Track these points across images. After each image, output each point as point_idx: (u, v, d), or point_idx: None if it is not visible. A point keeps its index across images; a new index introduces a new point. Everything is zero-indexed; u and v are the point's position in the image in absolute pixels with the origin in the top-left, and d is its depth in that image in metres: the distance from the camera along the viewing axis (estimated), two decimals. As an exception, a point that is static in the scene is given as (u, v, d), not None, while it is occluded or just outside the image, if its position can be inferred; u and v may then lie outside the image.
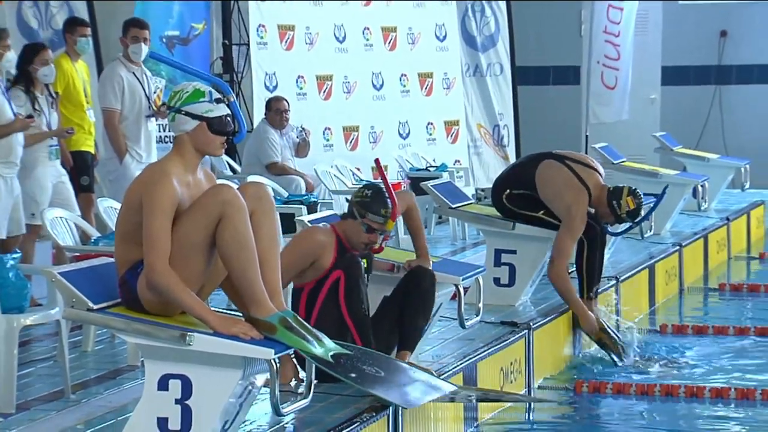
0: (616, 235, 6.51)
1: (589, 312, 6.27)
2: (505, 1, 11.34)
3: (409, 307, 4.95)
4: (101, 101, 7.21)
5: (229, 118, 4.06)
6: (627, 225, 6.46)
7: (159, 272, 3.84)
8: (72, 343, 5.35)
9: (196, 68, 4.28)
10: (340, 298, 4.79)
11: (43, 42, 6.99)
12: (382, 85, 10.03)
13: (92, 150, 7.32)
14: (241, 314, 4.04)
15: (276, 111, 8.59)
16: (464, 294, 5.22)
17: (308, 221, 5.24)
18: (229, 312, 4.22)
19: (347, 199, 5.00)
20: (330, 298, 4.81)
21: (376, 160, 5.28)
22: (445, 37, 10.72)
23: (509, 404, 5.63)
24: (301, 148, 8.68)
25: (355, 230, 4.90)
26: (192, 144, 4.03)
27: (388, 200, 4.90)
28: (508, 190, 6.35)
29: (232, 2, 9.27)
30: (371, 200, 4.89)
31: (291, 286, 4.92)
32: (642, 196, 6.34)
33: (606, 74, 11.13)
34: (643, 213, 6.37)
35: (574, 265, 6.39)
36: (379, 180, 5.13)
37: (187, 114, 4.02)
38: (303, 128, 8.70)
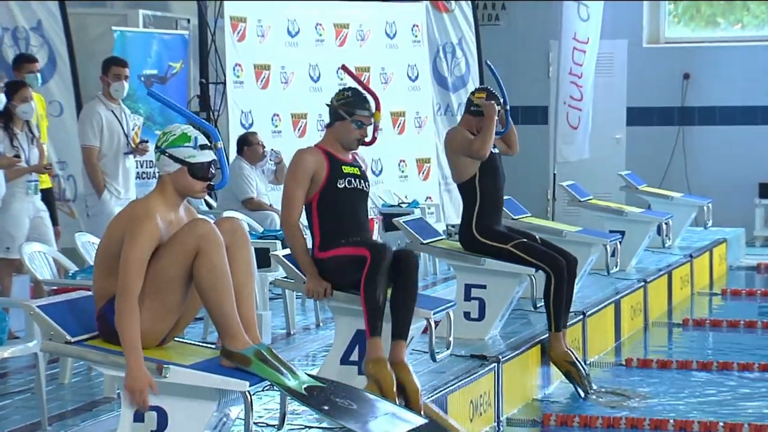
0: (500, 133, 6.53)
1: None
2: (475, 44, 11.56)
3: (400, 292, 5.03)
4: (80, 138, 7.31)
5: (212, 165, 4.16)
6: (506, 117, 6.46)
7: (129, 297, 3.91)
8: (49, 375, 5.40)
9: (191, 112, 4.40)
10: (362, 279, 4.94)
11: (23, 80, 7.08)
12: (355, 124, 10.18)
13: (49, 184, 7.28)
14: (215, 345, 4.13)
15: (258, 144, 8.66)
16: (435, 327, 5.30)
17: (282, 255, 5.36)
18: (204, 345, 4.32)
19: (330, 107, 5.25)
20: (354, 261, 4.99)
21: (343, 66, 5.53)
22: (417, 77, 10.90)
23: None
24: (280, 172, 8.67)
25: (346, 130, 5.20)
26: (173, 185, 4.14)
27: (368, 94, 5.22)
28: (474, 216, 6.41)
29: (209, 42, 9.41)
30: (354, 98, 5.23)
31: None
32: (488, 87, 6.46)
33: (571, 114, 11.33)
34: (500, 94, 6.43)
35: (542, 299, 6.50)
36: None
37: (171, 156, 4.13)
38: (275, 150, 8.74)
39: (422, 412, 4.89)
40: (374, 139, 5.34)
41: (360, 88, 5.29)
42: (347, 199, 5.19)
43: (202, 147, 4.14)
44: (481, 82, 11.60)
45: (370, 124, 5.25)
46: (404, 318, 5.02)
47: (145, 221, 3.99)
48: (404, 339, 5.03)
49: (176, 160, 4.12)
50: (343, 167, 5.22)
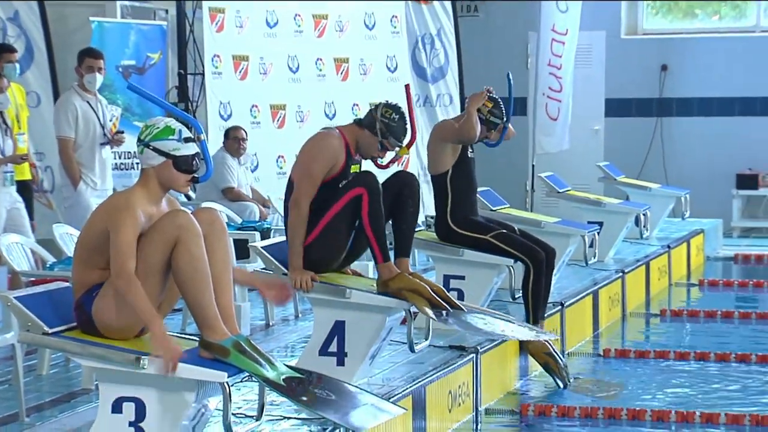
0: (492, 146, 6.64)
1: None
2: (454, 35, 11.56)
3: (402, 212, 5.14)
4: (56, 129, 7.28)
5: (196, 158, 4.15)
6: (501, 133, 6.50)
7: (127, 274, 3.91)
8: (27, 366, 5.38)
9: (172, 105, 4.40)
10: (363, 215, 5.02)
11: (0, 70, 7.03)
12: (334, 115, 10.17)
13: (28, 176, 7.31)
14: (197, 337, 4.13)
15: (234, 139, 8.73)
16: (414, 319, 5.33)
17: (261, 247, 5.35)
18: (183, 336, 4.31)
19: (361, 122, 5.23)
20: (347, 212, 5.05)
21: (406, 86, 5.56)
22: (396, 68, 10.89)
23: (458, 423, 5.76)
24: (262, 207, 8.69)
25: (369, 143, 5.21)
26: (157, 179, 4.12)
27: (409, 129, 5.22)
28: (448, 208, 6.43)
29: (187, 32, 9.38)
30: (396, 125, 5.21)
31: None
32: (499, 99, 6.47)
33: (550, 105, 11.35)
34: (505, 112, 6.45)
35: (521, 290, 6.53)
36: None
37: (155, 150, 4.10)
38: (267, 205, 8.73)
39: (453, 305, 5.14)
40: (388, 166, 5.36)
41: (407, 117, 5.26)
42: (338, 196, 5.19)
43: (186, 140, 4.13)
44: (460, 73, 11.61)
45: (391, 150, 5.25)
46: (408, 237, 5.19)
47: (126, 211, 3.99)
48: (408, 256, 5.20)
49: (161, 153, 4.11)
50: (352, 166, 5.24)
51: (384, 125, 5.18)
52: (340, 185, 5.16)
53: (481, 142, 6.53)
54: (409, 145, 5.29)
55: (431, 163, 6.54)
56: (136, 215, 4.00)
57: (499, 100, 6.53)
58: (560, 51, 11.30)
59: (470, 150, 6.50)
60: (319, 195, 5.15)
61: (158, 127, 4.13)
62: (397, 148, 5.25)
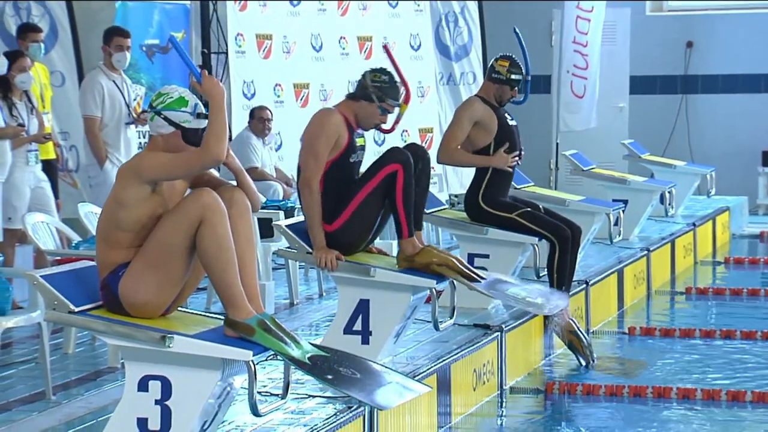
0: (519, 103, 6.58)
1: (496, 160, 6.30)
2: (477, 12, 11.49)
3: (417, 186, 5.14)
4: (82, 109, 7.30)
5: (202, 132, 4.10)
6: (526, 87, 6.43)
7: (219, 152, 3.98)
8: (53, 345, 5.43)
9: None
10: (398, 190, 5.05)
11: (24, 50, 7.05)
12: (357, 93, 10.15)
13: (52, 155, 7.34)
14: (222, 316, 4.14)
15: (259, 119, 8.75)
16: (438, 297, 5.31)
17: (285, 226, 5.35)
18: (208, 315, 4.33)
19: (359, 85, 5.21)
20: (380, 190, 5.08)
21: (385, 46, 5.53)
22: (419, 46, 10.85)
23: (483, 402, 5.76)
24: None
25: (369, 112, 5.17)
26: (164, 147, 4.11)
27: (402, 86, 5.19)
28: (483, 187, 6.40)
29: (210, 11, 9.37)
30: (389, 86, 5.18)
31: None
32: (512, 55, 6.41)
33: (575, 83, 11.29)
34: (523, 69, 6.40)
35: (546, 269, 6.51)
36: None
37: (166, 119, 4.10)
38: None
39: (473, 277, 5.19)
40: (393, 129, 5.32)
41: (396, 76, 5.24)
42: (353, 173, 5.19)
43: (199, 115, 4.11)
44: (484, 51, 11.56)
45: (392, 112, 5.22)
46: (421, 211, 5.23)
47: (138, 165, 4.00)
48: (421, 229, 5.25)
49: (171, 123, 4.09)
50: (357, 140, 5.22)
51: (377, 89, 5.15)
52: (351, 160, 5.14)
53: (508, 102, 6.47)
54: (406, 100, 5.25)
55: (467, 141, 6.49)
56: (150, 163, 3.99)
57: (513, 56, 6.46)
58: (585, 28, 11.23)
59: (509, 118, 6.44)
60: (334, 176, 5.12)
61: (172, 97, 4.09)
62: (397, 108, 5.22)
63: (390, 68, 5.29)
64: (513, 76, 6.38)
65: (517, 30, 6.87)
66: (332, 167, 5.12)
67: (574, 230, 6.50)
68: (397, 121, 5.31)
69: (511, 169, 6.41)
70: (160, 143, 4.09)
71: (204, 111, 4.13)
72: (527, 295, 5.51)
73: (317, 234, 5.14)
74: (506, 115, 6.44)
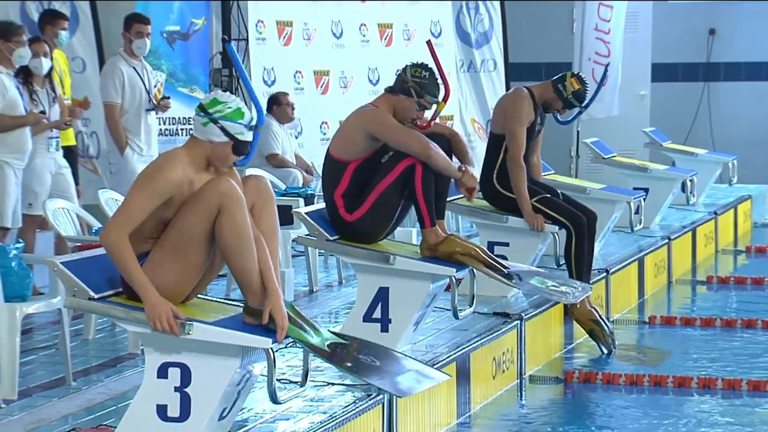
0: (566, 123, 6.62)
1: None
2: (498, 0, 11.45)
3: (438, 174, 5.14)
4: (102, 95, 7.31)
5: (249, 145, 4.09)
6: (576, 111, 6.48)
7: (115, 233, 3.89)
8: (73, 331, 5.45)
9: (252, 88, 4.39)
10: (417, 182, 5.06)
11: (45, 36, 7.05)
12: (378, 80, 10.13)
13: (73, 142, 7.31)
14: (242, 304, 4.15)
15: (287, 104, 8.76)
16: (458, 285, 5.31)
17: (304, 213, 5.35)
18: (227, 302, 4.33)
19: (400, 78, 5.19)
20: (400, 182, 5.08)
21: (428, 42, 5.52)
22: (440, 33, 10.82)
23: (502, 390, 5.76)
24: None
25: (406, 106, 5.15)
26: (208, 152, 4.05)
27: (442, 84, 5.16)
28: (496, 168, 6.39)
29: (231, -1, 9.37)
30: (429, 82, 5.16)
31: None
32: (586, 80, 6.43)
33: (597, 71, 11.23)
34: (588, 98, 6.44)
35: (563, 256, 6.49)
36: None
37: (222, 129, 4.05)
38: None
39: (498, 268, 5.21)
40: (428, 125, 5.28)
41: (437, 72, 5.22)
42: (389, 167, 5.16)
43: (250, 128, 4.09)
44: (505, 38, 11.50)
45: (429, 108, 5.21)
46: (443, 199, 5.24)
47: (167, 171, 3.96)
48: (443, 218, 5.27)
49: (226, 133, 4.05)
50: None
51: (417, 84, 5.13)
52: (383, 160, 5.13)
53: (552, 114, 6.47)
54: (445, 99, 5.23)
55: (494, 123, 6.47)
56: (177, 173, 3.96)
57: (587, 84, 6.42)
58: (608, 15, 11.16)
59: (539, 123, 6.43)
60: (362, 171, 5.12)
61: (231, 108, 4.04)
62: (435, 105, 5.20)
63: (431, 64, 5.26)
64: (572, 100, 6.37)
65: (608, 69, 6.82)
66: (362, 164, 5.13)
67: (590, 217, 6.48)
68: (433, 118, 5.28)
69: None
70: (202, 146, 4.05)
71: (254, 124, 4.11)
72: (552, 284, 5.49)
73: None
74: (539, 119, 6.44)
